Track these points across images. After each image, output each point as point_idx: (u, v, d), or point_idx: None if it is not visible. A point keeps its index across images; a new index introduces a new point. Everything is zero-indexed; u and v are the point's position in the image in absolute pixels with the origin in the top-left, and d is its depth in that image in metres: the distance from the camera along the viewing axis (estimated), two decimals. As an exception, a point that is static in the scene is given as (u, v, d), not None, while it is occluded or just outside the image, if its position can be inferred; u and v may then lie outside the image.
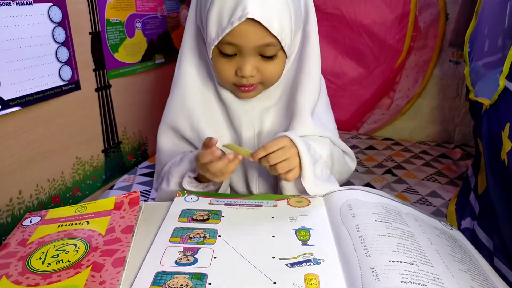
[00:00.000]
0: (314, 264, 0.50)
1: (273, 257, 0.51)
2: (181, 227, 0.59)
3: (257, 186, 0.74)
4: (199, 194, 0.68)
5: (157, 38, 1.32)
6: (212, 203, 0.65)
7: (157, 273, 0.50)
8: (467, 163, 1.31)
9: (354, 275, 0.48)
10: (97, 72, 1.10)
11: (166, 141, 0.77)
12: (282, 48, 0.64)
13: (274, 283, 0.47)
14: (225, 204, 0.65)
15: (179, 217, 0.61)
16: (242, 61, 0.64)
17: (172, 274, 0.49)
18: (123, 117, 1.23)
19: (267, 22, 0.59)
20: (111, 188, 1.17)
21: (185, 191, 0.68)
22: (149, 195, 1.14)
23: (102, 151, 1.16)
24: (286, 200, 0.65)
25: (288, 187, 0.68)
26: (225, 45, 0.62)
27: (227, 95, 0.71)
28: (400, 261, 0.49)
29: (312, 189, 0.65)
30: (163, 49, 1.36)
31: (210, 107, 0.73)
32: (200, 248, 0.54)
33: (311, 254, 0.52)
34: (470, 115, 1.48)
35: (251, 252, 0.53)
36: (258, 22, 0.59)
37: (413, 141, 1.55)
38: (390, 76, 1.48)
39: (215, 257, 0.53)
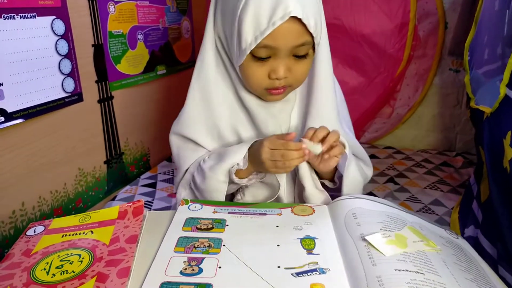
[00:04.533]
0: (319, 274, 0.50)
1: (278, 267, 0.52)
2: (186, 236, 0.59)
3: (284, 191, 0.73)
4: (203, 202, 0.68)
5: (158, 50, 1.33)
6: (216, 212, 0.65)
7: (162, 283, 0.50)
8: (469, 171, 1.31)
9: (360, 284, 0.48)
10: (99, 84, 1.11)
11: (181, 145, 0.76)
12: (313, 45, 0.65)
13: (280, 292, 0.47)
14: (229, 213, 0.65)
15: (183, 226, 0.62)
16: (275, 63, 0.64)
17: (177, 284, 0.49)
18: (125, 128, 1.23)
19: (306, 20, 0.59)
20: (113, 199, 1.17)
21: (189, 200, 0.68)
22: (151, 205, 1.14)
23: (105, 162, 1.17)
24: (290, 209, 0.66)
25: (314, 195, 0.69)
26: (261, 49, 0.62)
27: (251, 100, 0.71)
28: (406, 270, 0.49)
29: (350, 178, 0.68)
30: (164, 60, 1.37)
31: (234, 113, 0.73)
32: (204, 257, 0.55)
33: (317, 263, 0.52)
34: (471, 123, 1.49)
35: (256, 262, 0.53)
36: (297, 20, 0.59)
37: (415, 149, 1.55)
38: (390, 84, 1.48)
39: (220, 267, 0.53)
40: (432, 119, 1.54)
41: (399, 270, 0.49)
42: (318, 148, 0.64)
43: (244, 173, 0.69)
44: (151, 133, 1.35)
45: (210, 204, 0.67)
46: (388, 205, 0.66)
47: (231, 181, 0.69)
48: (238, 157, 0.67)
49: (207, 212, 0.65)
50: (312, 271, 0.51)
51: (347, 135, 0.74)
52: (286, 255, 0.54)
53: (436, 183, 1.26)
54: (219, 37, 0.69)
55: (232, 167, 0.67)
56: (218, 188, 0.69)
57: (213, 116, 0.72)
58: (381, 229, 0.57)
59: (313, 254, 0.54)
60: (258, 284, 0.49)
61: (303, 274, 0.50)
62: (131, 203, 0.65)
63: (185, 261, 0.54)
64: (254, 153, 0.66)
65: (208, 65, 0.71)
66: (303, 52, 0.64)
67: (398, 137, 1.59)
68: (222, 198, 0.70)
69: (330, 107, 0.72)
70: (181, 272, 0.52)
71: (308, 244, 0.56)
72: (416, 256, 0.51)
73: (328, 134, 0.65)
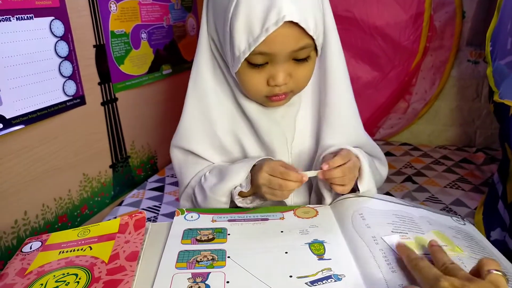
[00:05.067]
0: (335, 281, 0.47)
1: (291, 276, 0.48)
2: (186, 250, 0.55)
3: (292, 200, 0.69)
4: (199, 211, 0.63)
5: (163, 49, 1.29)
6: (215, 220, 0.61)
7: (166, 306, 0.45)
8: (492, 168, 1.25)
9: None
10: (102, 86, 1.07)
11: (182, 158, 0.71)
12: (315, 47, 0.59)
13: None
14: (229, 221, 0.61)
15: (182, 238, 0.57)
16: (274, 69, 0.58)
17: (184, 306, 0.45)
18: (130, 130, 1.19)
19: (304, 23, 0.53)
20: (120, 204, 1.14)
21: (185, 209, 0.64)
22: (159, 210, 1.10)
23: (110, 167, 1.13)
24: (292, 212, 0.62)
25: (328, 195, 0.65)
26: (256, 56, 0.56)
27: (251, 108, 0.65)
28: None
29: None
30: (170, 59, 1.33)
31: (235, 121, 0.68)
32: (210, 272, 0.50)
33: (330, 269, 0.49)
34: (491, 117, 1.43)
35: (266, 272, 0.49)
36: (294, 24, 0.53)
37: (432, 145, 1.49)
38: (405, 78, 1.42)
39: (228, 282, 0.49)
40: (450, 113, 1.47)
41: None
42: (313, 173, 0.60)
43: (247, 192, 0.64)
44: (158, 135, 1.31)
45: (207, 213, 0.63)
46: (391, 202, 0.63)
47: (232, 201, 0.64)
48: (240, 177, 0.62)
49: (205, 222, 0.61)
50: (326, 278, 0.48)
51: (359, 136, 0.69)
52: (296, 262, 0.51)
53: (457, 181, 1.21)
54: (213, 39, 0.64)
55: (235, 189, 0.63)
56: (220, 207, 0.64)
57: (212, 126, 0.67)
58: (392, 231, 0.54)
59: (325, 259, 0.51)
60: (272, 298, 0.45)
61: (318, 283, 0.47)
62: (132, 215, 0.61)
63: (189, 278, 0.49)
64: (254, 175, 0.62)
65: (204, 71, 0.66)
66: (304, 56, 0.58)
67: (414, 133, 1.53)
68: None
69: (346, 107, 0.67)
70: (187, 291, 0.48)
71: (318, 249, 0.53)
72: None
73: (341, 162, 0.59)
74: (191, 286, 0.48)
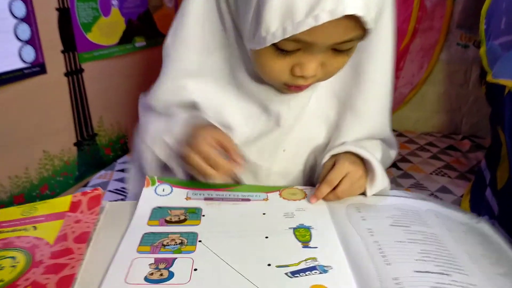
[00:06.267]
0: (320, 273, 0.42)
1: (269, 265, 0.42)
2: (152, 232, 0.48)
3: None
4: (173, 183, 0.56)
5: (137, 19, 1.20)
6: (190, 198, 0.54)
7: (121, 294, 0.38)
8: (478, 155, 1.23)
9: (372, 286, 0.40)
10: (66, 54, 0.98)
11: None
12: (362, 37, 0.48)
13: (273, 298, 0.38)
14: (206, 199, 0.54)
15: (149, 219, 0.50)
16: (304, 58, 0.47)
17: (141, 294, 0.38)
18: (98, 106, 1.10)
19: (368, 15, 0.42)
20: (85, 185, 1.06)
21: (156, 179, 0.56)
22: (127, 193, 1.02)
23: (75, 144, 1.04)
24: (278, 192, 0.56)
25: None
26: (288, 42, 0.45)
27: (250, 85, 0.56)
28: (427, 272, 0.41)
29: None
30: (143, 31, 1.23)
31: (222, 89, 0.58)
32: (176, 258, 0.44)
33: (315, 259, 0.43)
34: (478, 105, 1.40)
35: (241, 259, 0.43)
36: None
37: (418, 132, 1.45)
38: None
39: (195, 269, 0.42)
40: (437, 99, 1.43)
41: (419, 271, 0.41)
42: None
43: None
44: (129, 113, 1.22)
45: (182, 186, 0.55)
46: (393, 195, 0.57)
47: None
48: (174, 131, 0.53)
49: (178, 198, 0.54)
50: (310, 269, 0.42)
51: (384, 132, 0.61)
52: (277, 249, 0.45)
53: (443, 168, 1.17)
54: None
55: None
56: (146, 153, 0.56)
57: (188, 91, 0.57)
58: (391, 225, 0.50)
59: (310, 247, 0.46)
60: (245, 289, 0.40)
61: (300, 274, 0.41)
62: (86, 192, 0.53)
63: (151, 264, 0.43)
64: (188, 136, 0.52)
65: (195, 19, 0.53)
66: (348, 47, 0.47)
67: (400, 119, 1.48)
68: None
69: (381, 100, 0.57)
70: (146, 279, 0.41)
71: (303, 235, 0.48)
72: (436, 254, 0.44)
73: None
74: (152, 273, 0.41)
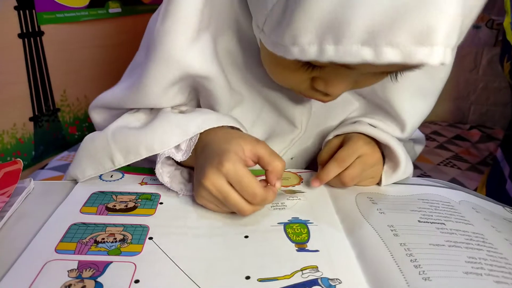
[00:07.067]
0: None
1: (247, 277, 0.31)
2: (84, 223, 0.34)
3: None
4: (125, 169, 0.43)
5: (111, -20, 1.04)
6: (145, 183, 0.40)
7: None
8: (489, 146, 1.13)
9: None
10: (21, 12, 0.83)
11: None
12: None
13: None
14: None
15: (84, 205, 0.36)
16: (335, 75, 0.36)
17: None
18: (61, 77, 0.96)
19: (447, 58, 0.28)
20: (43, 167, 0.91)
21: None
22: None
23: (31, 119, 0.90)
24: (264, 176, 0.41)
25: None
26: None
27: (259, 83, 0.47)
28: None
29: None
30: (119, -4, 1.08)
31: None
32: (110, 262, 0.31)
33: (316, 268, 0.31)
34: (487, 92, 1.29)
35: (208, 268, 0.31)
36: None
37: (421, 120, 1.33)
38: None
39: (136, 281, 0.29)
40: (444, 85, 1.31)
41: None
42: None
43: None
44: (99, 87, 1.07)
45: (137, 172, 0.43)
46: (415, 183, 0.47)
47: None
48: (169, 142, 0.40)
49: (130, 183, 0.40)
50: (310, 284, 0.29)
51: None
52: (260, 254, 0.33)
53: (451, 159, 1.06)
54: None
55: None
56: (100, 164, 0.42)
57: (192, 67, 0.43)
58: (419, 220, 0.39)
59: (308, 251, 0.34)
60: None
61: None
62: (3, 165, 0.39)
63: (71, 270, 0.30)
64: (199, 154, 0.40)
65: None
66: (393, 70, 0.36)
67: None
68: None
69: (420, 103, 0.50)
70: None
71: (298, 233, 0.36)
72: (490, 261, 0.33)
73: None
74: (71, 284, 0.27)
